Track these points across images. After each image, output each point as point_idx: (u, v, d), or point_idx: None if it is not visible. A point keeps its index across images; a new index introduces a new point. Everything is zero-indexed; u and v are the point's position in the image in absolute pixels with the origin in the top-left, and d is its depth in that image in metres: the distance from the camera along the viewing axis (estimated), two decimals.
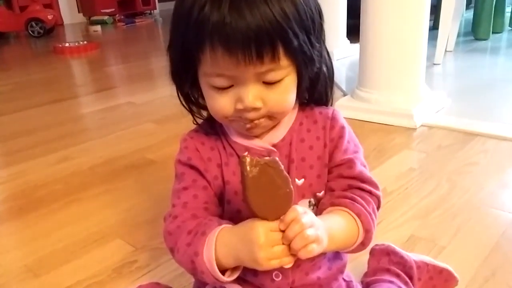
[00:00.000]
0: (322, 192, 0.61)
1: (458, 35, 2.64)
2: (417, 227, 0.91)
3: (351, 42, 2.63)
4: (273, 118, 0.56)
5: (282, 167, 0.47)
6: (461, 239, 0.87)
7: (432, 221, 0.93)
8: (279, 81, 0.53)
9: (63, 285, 0.81)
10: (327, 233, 0.51)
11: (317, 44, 0.55)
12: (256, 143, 0.60)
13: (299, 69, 0.54)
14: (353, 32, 2.53)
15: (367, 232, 0.57)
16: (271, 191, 0.47)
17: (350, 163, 0.60)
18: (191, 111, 0.63)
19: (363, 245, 0.58)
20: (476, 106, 1.64)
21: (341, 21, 2.61)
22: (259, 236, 0.47)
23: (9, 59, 3.62)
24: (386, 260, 0.73)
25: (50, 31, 4.55)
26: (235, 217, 0.58)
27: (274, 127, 0.60)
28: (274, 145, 0.60)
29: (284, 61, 0.51)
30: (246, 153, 0.47)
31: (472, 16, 2.98)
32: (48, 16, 4.49)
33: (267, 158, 0.47)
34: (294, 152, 0.60)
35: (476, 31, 2.83)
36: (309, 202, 0.61)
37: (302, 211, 0.48)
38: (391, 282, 0.69)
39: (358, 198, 0.57)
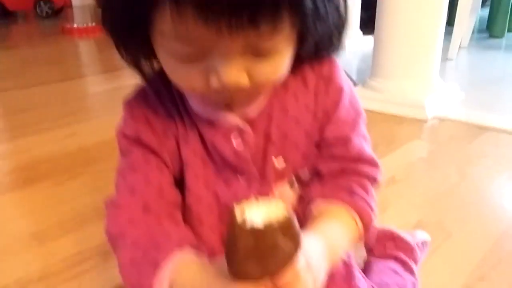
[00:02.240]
0: (306, 172, 0.50)
1: (473, 32, 2.61)
2: (425, 214, 0.89)
3: (363, 34, 2.61)
4: (258, 92, 0.43)
5: (295, 222, 0.34)
6: (469, 226, 0.85)
7: (440, 209, 0.92)
8: (273, 49, 0.38)
9: (68, 253, 0.80)
10: (330, 260, 0.41)
11: None
12: (224, 117, 0.46)
13: (304, 32, 0.40)
14: (366, 24, 2.52)
15: (367, 230, 0.47)
16: (269, 257, 0.34)
17: (345, 140, 0.48)
18: (140, 70, 0.46)
19: (360, 241, 0.49)
20: (488, 100, 1.61)
21: (354, 13, 2.58)
22: None
23: (17, 37, 3.62)
24: (392, 245, 0.71)
25: (59, 11, 4.54)
26: (195, 207, 0.48)
27: None
28: (248, 120, 0.46)
29: (286, 25, 0.37)
30: (240, 206, 0.33)
31: (487, 14, 2.94)
32: None
33: (275, 217, 0.32)
34: (274, 128, 0.47)
35: (491, 28, 2.80)
36: (290, 182, 0.50)
37: (302, 268, 0.36)
38: (395, 272, 0.67)
39: (356, 188, 0.47)
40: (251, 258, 0.34)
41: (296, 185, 0.50)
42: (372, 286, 0.59)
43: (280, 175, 0.48)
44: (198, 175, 0.47)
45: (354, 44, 2.54)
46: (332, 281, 0.52)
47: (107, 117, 1.55)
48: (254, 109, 0.46)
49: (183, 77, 0.40)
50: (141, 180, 0.46)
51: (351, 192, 0.47)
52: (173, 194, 0.47)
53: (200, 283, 0.39)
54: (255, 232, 0.32)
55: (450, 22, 2.54)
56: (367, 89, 1.59)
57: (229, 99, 0.42)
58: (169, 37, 0.37)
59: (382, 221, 0.80)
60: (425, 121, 1.42)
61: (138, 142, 0.46)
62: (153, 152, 0.46)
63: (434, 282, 0.71)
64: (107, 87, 1.97)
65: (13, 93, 1.90)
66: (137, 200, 0.45)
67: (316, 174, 0.49)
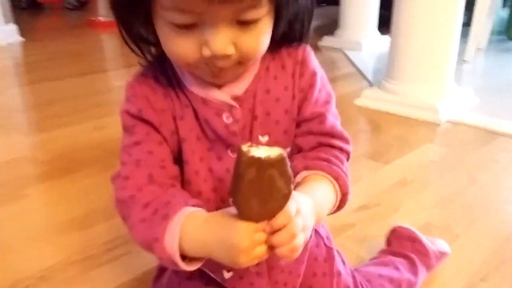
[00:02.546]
0: (289, 149, 0.56)
1: (492, 34, 2.61)
2: (434, 216, 0.95)
3: (381, 34, 2.63)
4: (243, 64, 0.48)
5: (288, 164, 0.39)
6: (475, 230, 0.90)
7: (448, 211, 0.97)
8: (256, 21, 0.45)
9: (107, 238, 0.88)
10: (316, 214, 0.46)
11: None
12: (215, 95, 0.51)
13: (279, 8, 0.47)
14: (385, 23, 2.54)
15: (345, 195, 0.53)
16: (267, 194, 0.39)
17: (321, 117, 0.55)
18: (140, 50, 0.53)
19: (339, 208, 0.54)
20: (502, 105, 1.64)
21: (372, 12, 2.61)
22: (242, 241, 0.40)
23: (45, 29, 3.71)
24: (409, 245, 0.76)
25: (85, 4, 4.63)
26: (193, 180, 0.53)
27: (237, 76, 0.52)
28: (235, 98, 0.52)
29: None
30: (247, 144, 0.38)
31: (507, 15, 2.93)
32: None
33: (273, 153, 0.38)
34: (258, 106, 0.53)
35: (510, 30, 2.79)
36: None
37: (294, 212, 0.41)
38: (397, 268, 0.71)
39: (333, 159, 0.53)
40: (254, 195, 0.39)
41: None
42: (350, 269, 0.66)
43: None
44: (194, 150, 0.52)
45: (371, 44, 2.57)
46: (315, 262, 0.60)
47: None
48: (240, 88, 0.52)
49: (179, 48, 0.45)
50: (145, 153, 0.50)
51: (329, 162, 0.53)
52: (173, 167, 0.52)
53: (208, 227, 0.44)
54: (256, 161, 0.37)
55: (469, 22, 2.55)
56: (382, 90, 1.63)
57: (218, 73, 0.47)
58: (168, 8, 0.43)
59: (393, 220, 0.86)
60: (438, 125, 1.46)
61: (140, 119, 0.51)
62: (154, 128, 0.51)
63: (437, 281, 0.76)
64: None
65: (42, 85, 1.99)
66: (142, 171, 0.50)
67: (298, 150, 0.56)
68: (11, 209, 1.01)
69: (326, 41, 2.70)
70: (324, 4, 3.63)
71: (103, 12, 3.49)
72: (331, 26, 2.82)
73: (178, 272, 0.59)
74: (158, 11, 0.44)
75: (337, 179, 0.52)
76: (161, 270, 0.65)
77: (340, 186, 0.52)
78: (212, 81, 0.50)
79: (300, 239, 0.42)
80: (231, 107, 0.52)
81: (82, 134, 1.42)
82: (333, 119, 0.56)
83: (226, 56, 0.44)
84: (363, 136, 1.42)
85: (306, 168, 0.53)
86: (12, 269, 0.81)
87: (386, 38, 2.55)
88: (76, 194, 1.06)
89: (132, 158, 0.50)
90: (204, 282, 0.58)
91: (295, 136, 0.55)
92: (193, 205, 0.47)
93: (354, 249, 0.84)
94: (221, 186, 0.54)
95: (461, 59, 2.22)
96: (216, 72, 0.47)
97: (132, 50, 0.52)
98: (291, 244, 0.41)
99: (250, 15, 0.43)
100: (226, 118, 0.52)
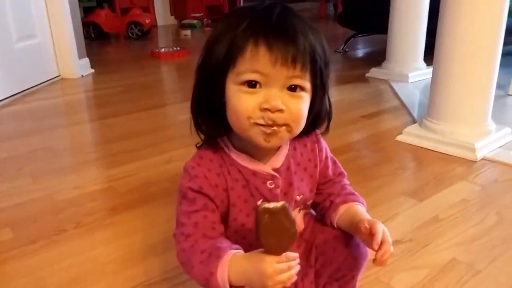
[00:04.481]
0: (311, 201, 0.79)
1: None
2: (459, 252, 1.08)
3: (428, 65, 2.70)
4: (290, 129, 0.64)
5: (291, 211, 0.58)
6: (496, 266, 1.02)
7: (474, 248, 1.10)
8: (300, 93, 0.63)
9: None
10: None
11: (326, 78, 0.67)
12: (261, 168, 0.70)
13: (314, 91, 0.65)
14: (431, 52, 2.60)
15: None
16: (279, 233, 0.57)
17: (340, 174, 0.81)
18: (209, 131, 0.70)
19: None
20: None
21: (420, 45, 2.69)
22: (267, 269, 0.58)
23: (112, 60, 4.06)
24: None
25: (146, 33, 5.03)
26: (240, 230, 0.72)
27: (274, 154, 0.72)
28: (276, 169, 0.71)
29: (307, 75, 0.63)
30: (260, 202, 0.59)
31: None
32: (146, 20, 4.97)
33: (278, 205, 0.57)
34: (293, 175, 0.73)
35: None
36: (299, 208, 0.78)
37: (385, 232, 0.65)
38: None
39: (353, 192, 0.80)
40: (270, 235, 0.57)
41: (301, 209, 0.79)
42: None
43: (297, 205, 0.76)
44: (242, 210, 0.71)
45: (418, 76, 2.66)
46: None
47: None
48: (278, 163, 0.72)
49: (244, 104, 0.61)
50: (201, 217, 0.68)
51: (354, 195, 0.79)
52: (220, 227, 0.70)
53: (246, 262, 0.62)
54: (267, 210, 0.56)
55: None
56: (423, 128, 1.76)
57: (269, 135, 0.63)
58: (245, 71, 0.61)
59: (422, 255, 1.00)
60: (474, 163, 1.57)
61: (200, 193, 0.69)
62: (210, 199, 0.69)
63: None
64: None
65: (118, 119, 2.22)
66: (199, 231, 0.68)
67: (328, 194, 0.79)
68: (100, 234, 1.22)
69: (374, 72, 2.84)
70: (374, 33, 3.75)
71: (162, 40, 3.79)
72: (379, 56, 2.94)
73: None
74: (233, 79, 0.62)
75: (362, 203, 0.77)
76: None
77: (364, 207, 0.77)
78: (263, 144, 0.64)
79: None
80: (273, 176, 0.71)
81: (154, 167, 1.64)
82: (344, 172, 0.82)
83: (279, 111, 0.61)
84: (402, 173, 1.55)
85: (345, 202, 0.76)
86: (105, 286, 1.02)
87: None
88: (151, 223, 1.26)
89: (191, 221, 0.69)
90: None
91: (327, 188, 0.79)
92: (235, 249, 0.66)
93: (385, 280, 0.99)
94: None
95: (505, 93, 2.28)
96: (268, 134, 0.63)
97: (199, 135, 0.72)
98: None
99: (298, 81, 0.62)
100: (269, 184, 0.71)
